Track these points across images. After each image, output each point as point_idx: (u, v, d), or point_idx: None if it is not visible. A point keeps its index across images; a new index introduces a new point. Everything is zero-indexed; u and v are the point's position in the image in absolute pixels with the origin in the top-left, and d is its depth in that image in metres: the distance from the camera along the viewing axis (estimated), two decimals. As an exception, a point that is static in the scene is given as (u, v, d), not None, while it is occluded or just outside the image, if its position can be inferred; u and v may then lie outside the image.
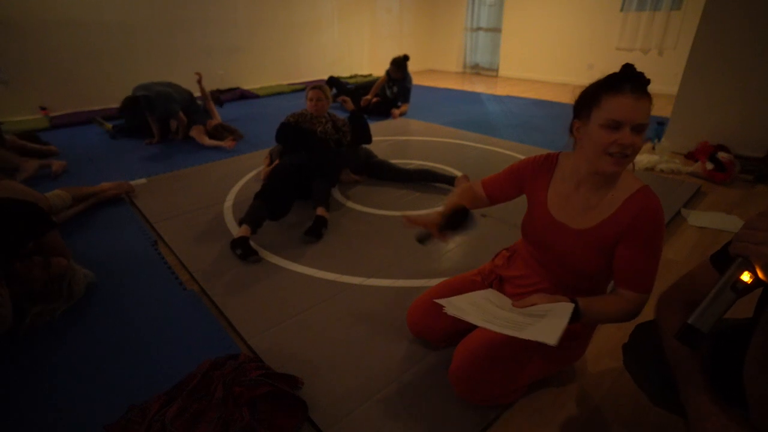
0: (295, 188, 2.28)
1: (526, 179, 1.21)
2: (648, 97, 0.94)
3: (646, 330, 0.99)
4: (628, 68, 0.95)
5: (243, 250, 1.93)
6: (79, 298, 1.71)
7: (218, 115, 4.10)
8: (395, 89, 4.82)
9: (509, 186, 1.25)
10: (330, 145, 2.60)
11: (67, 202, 2.36)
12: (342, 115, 2.81)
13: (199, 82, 3.93)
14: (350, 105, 2.93)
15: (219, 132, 3.85)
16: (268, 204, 2.12)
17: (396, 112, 4.72)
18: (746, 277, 0.63)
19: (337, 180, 2.64)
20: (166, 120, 3.82)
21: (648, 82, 0.94)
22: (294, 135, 2.50)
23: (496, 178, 1.28)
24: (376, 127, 4.26)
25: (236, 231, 2.19)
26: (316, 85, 2.66)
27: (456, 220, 1.19)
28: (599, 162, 0.98)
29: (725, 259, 0.81)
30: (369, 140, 2.82)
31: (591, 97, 0.98)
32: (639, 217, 0.99)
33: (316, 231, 2.14)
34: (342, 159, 2.68)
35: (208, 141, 3.70)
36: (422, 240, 1.23)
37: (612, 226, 1.03)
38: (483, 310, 0.99)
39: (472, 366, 1.13)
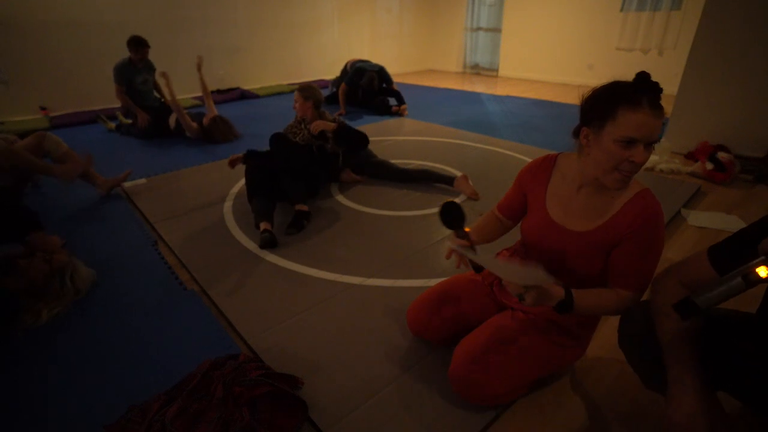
0: (273, 182, 2.32)
1: (527, 183, 1.21)
2: (662, 110, 0.90)
3: (640, 311, 1.00)
4: (645, 78, 0.90)
5: (271, 239, 2.03)
6: (83, 295, 1.71)
7: (215, 109, 4.01)
8: (382, 83, 4.96)
9: (516, 197, 1.25)
10: (311, 151, 2.56)
11: (60, 149, 2.54)
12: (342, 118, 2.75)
13: (199, 68, 3.87)
14: (329, 125, 2.53)
15: (217, 124, 3.77)
16: (264, 197, 2.20)
17: (398, 109, 4.82)
18: (763, 272, 0.67)
19: (318, 181, 2.60)
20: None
21: (662, 91, 0.90)
22: (273, 143, 2.48)
23: (505, 196, 1.29)
24: (376, 127, 4.26)
25: (237, 232, 2.23)
26: (299, 87, 2.63)
27: (449, 218, 1.14)
28: (606, 176, 0.97)
29: (725, 257, 0.85)
30: (363, 144, 2.70)
31: (605, 107, 0.93)
32: (638, 220, 0.99)
33: (298, 224, 2.20)
34: (322, 163, 2.64)
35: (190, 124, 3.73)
36: (476, 269, 1.17)
37: (612, 229, 1.03)
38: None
39: (471, 366, 1.13)
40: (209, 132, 3.76)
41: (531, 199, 1.20)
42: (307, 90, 2.58)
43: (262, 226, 2.09)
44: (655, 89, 0.89)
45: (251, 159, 2.41)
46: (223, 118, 3.88)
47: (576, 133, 1.03)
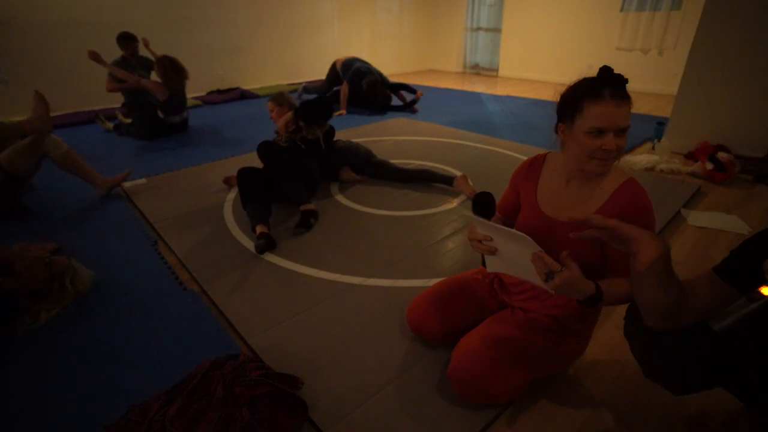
0: (267, 188, 2.31)
1: (520, 182, 1.25)
2: (628, 99, 0.97)
3: None
4: (605, 72, 0.97)
5: (267, 243, 2.02)
6: (83, 297, 1.71)
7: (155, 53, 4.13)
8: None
9: (512, 196, 1.29)
10: (296, 147, 2.56)
11: (60, 148, 2.51)
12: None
13: (147, 45, 4.12)
14: (288, 115, 2.61)
15: (160, 63, 3.79)
16: (259, 203, 2.20)
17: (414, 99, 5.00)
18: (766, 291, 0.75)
19: (314, 175, 2.59)
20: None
21: (626, 81, 0.96)
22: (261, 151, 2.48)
23: (503, 195, 1.33)
24: (376, 127, 4.27)
25: (237, 231, 2.23)
26: (270, 98, 2.71)
27: (479, 206, 1.13)
28: (586, 165, 1.03)
29: (735, 270, 0.85)
30: (325, 107, 2.65)
31: (572, 103, 1.01)
32: (627, 208, 1.02)
33: (306, 223, 2.21)
34: (309, 153, 2.62)
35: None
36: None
37: None
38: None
39: (471, 365, 1.14)
40: (163, 78, 3.78)
41: (523, 195, 1.24)
42: (279, 97, 2.68)
43: (258, 229, 2.08)
44: (618, 81, 0.96)
45: (245, 169, 2.40)
46: (166, 56, 3.85)
47: (557, 130, 1.11)
